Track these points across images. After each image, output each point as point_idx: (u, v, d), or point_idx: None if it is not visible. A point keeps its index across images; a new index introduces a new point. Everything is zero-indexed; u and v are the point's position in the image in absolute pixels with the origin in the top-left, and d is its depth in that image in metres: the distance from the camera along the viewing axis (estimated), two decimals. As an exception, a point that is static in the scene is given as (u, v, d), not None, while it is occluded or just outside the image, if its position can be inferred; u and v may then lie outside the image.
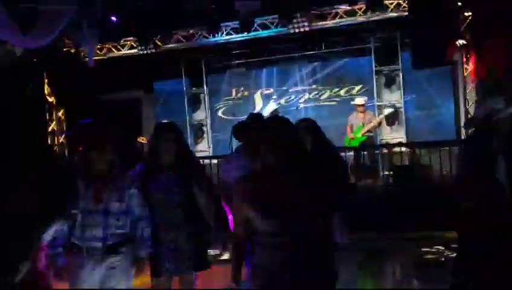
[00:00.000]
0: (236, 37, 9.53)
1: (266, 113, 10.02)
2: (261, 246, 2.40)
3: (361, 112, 10.04)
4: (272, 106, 9.90)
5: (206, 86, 12.66)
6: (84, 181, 3.30)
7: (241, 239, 2.53)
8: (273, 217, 2.31)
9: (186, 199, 3.58)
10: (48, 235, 3.00)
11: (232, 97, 12.61)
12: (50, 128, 10.53)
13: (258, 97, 12.38)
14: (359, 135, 9.90)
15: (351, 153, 9.58)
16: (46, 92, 10.33)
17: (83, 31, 7.44)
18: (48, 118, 10.55)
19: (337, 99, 11.61)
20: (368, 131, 9.92)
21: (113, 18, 6.78)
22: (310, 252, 2.32)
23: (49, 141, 10.49)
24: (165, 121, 11.12)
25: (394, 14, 8.78)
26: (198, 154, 12.14)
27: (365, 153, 10.06)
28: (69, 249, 3.28)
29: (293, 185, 2.35)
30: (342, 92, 11.59)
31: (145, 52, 9.63)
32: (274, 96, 11.96)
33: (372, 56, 11.18)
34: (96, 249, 3.24)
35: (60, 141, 10.64)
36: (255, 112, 11.64)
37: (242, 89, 12.49)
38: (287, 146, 2.37)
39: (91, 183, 3.27)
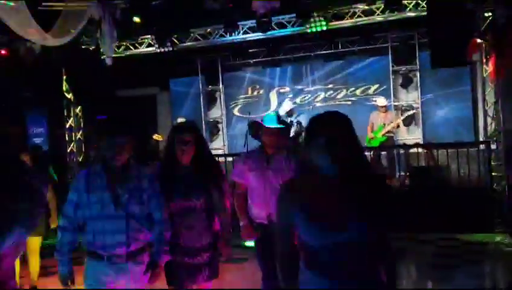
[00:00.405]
0: (252, 36, 9.53)
1: (282, 112, 9.99)
2: (306, 264, 2.06)
3: (383, 112, 9.98)
4: (287, 105, 9.86)
5: (222, 84, 12.71)
6: (99, 182, 3.00)
7: (286, 253, 2.15)
8: (324, 231, 1.96)
9: (206, 201, 3.41)
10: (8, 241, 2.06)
11: (247, 95, 12.63)
12: (68, 125, 10.63)
13: (273, 96, 12.39)
14: (379, 135, 9.84)
15: (370, 153, 9.52)
16: (64, 88, 10.43)
17: (103, 30, 7.49)
18: (65, 114, 10.64)
19: (353, 98, 11.56)
20: (389, 131, 9.85)
21: (136, 18, 6.77)
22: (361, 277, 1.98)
23: (66, 137, 10.59)
24: (184, 120, 11.19)
25: (412, 14, 8.70)
26: (213, 152, 12.20)
27: (383, 153, 10.03)
28: (87, 256, 3.05)
29: (352, 195, 1.97)
30: (358, 92, 11.55)
31: (162, 50, 9.67)
32: (290, 95, 11.96)
33: (389, 56, 11.11)
34: (118, 256, 2.96)
35: (77, 137, 10.73)
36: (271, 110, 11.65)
37: (257, 87, 12.51)
38: (348, 147, 1.98)
39: (109, 184, 2.98)
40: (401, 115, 10.73)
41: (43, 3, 6.89)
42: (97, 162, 3.11)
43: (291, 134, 9.44)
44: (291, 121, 8.95)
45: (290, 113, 9.77)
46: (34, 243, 5.41)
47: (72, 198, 3.02)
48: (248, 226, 3.90)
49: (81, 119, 10.91)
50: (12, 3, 6.49)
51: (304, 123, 8.99)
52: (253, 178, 3.86)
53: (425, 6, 8.20)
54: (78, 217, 3.01)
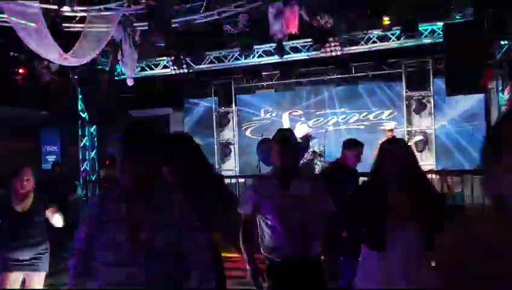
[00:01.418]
0: (267, 60, 9.60)
1: (297, 135, 9.96)
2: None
3: (389, 136, 9.92)
4: (303, 128, 9.82)
5: (235, 106, 12.77)
6: (116, 212, 2.17)
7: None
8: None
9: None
10: None
11: (260, 118, 12.67)
12: (82, 144, 10.71)
13: (285, 118, 12.41)
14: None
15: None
16: (79, 108, 10.55)
17: (123, 51, 7.59)
18: (80, 133, 10.73)
19: (366, 123, 11.55)
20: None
21: (159, 43, 6.86)
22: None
23: (80, 155, 10.66)
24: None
25: (428, 41, 8.73)
26: (224, 173, 12.21)
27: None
28: None
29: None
30: (371, 116, 11.53)
31: (178, 72, 9.78)
32: (302, 118, 11.97)
33: (403, 81, 11.12)
34: None
35: (91, 156, 10.80)
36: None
37: (270, 110, 12.56)
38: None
39: (128, 215, 2.15)
40: (412, 140, 10.69)
41: (64, 24, 7.01)
42: (114, 186, 2.26)
43: (304, 160, 9.36)
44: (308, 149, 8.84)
45: (304, 138, 9.73)
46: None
47: (82, 234, 2.23)
48: (256, 270, 3.17)
49: (95, 139, 10.98)
50: (33, 24, 6.60)
51: (317, 149, 8.89)
52: (267, 209, 3.15)
53: (441, 33, 8.23)
54: (89, 257, 2.20)
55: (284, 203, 3.09)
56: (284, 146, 3.15)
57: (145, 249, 2.10)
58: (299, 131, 9.51)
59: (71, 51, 6.77)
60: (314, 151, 8.77)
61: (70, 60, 6.99)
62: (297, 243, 3.07)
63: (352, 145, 4.68)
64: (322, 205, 3.13)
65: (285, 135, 3.25)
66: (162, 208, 2.20)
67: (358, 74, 11.60)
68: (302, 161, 9.39)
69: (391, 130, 10.00)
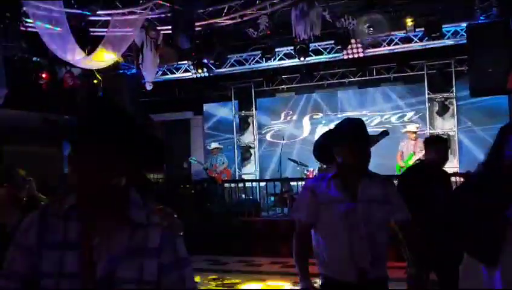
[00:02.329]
0: (288, 62, 9.60)
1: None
2: None
3: (412, 139, 9.81)
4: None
5: (255, 109, 12.78)
6: (62, 233, 1.48)
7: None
8: None
9: None
10: None
11: (280, 121, 12.65)
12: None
13: (306, 122, 12.37)
14: (410, 163, 9.67)
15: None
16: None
17: (144, 56, 7.67)
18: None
19: (387, 125, 11.42)
20: (419, 159, 9.66)
21: (186, 44, 6.90)
22: None
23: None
24: (218, 145, 10.96)
25: (450, 42, 8.63)
26: (245, 177, 12.22)
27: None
28: None
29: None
30: (393, 119, 11.42)
31: (198, 75, 9.83)
32: (323, 121, 11.92)
33: (425, 83, 11.00)
34: None
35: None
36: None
37: (290, 113, 12.53)
38: None
39: (82, 238, 1.47)
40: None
41: (87, 28, 7.12)
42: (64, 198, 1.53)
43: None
44: None
45: None
46: None
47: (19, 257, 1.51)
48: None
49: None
50: (58, 28, 6.72)
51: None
52: (329, 217, 2.59)
53: (464, 34, 8.12)
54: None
55: (351, 210, 2.54)
56: (358, 138, 2.54)
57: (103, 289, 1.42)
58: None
59: (93, 55, 6.86)
60: None
61: (93, 64, 7.09)
62: (365, 260, 2.53)
63: (435, 142, 4.25)
64: (396, 212, 2.65)
65: (358, 124, 2.62)
66: (131, 229, 1.47)
67: (380, 76, 11.50)
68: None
69: (415, 133, 9.89)
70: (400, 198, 2.71)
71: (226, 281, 7.03)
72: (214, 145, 11.35)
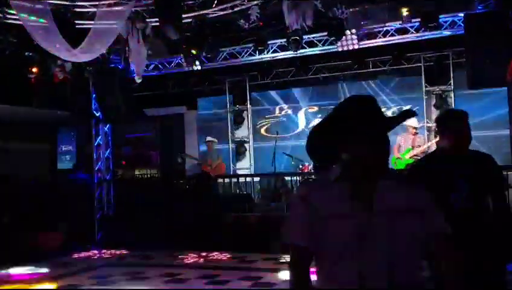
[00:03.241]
0: (282, 55, 9.38)
1: None
2: None
3: (412, 134, 9.61)
4: None
5: (249, 104, 12.58)
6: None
7: None
8: None
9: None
10: None
11: (275, 115, 12.47)
12: (96, 143, 10.62)
13: (301, 115, 12.19)
14: (407, 157, 9.50)
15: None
16: (93, 107, 10.46)
17: (131, 48, 7.46)
18: (94, 132, 10.65)
19: (384, 119, 11.24)
20: (416, 155, 9.49)
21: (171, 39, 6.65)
22: None
23: (94, 155, 10.58)
24: (213, 139, 10.84)
25: (448, 33, 8.41)
26: (239, 172, 12.04)
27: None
28: None
29: None
30: (389, 113, 11.21)
31: (191, 69, 9.61)
32: (319, 115, 11.74)
33: (423, 75, 10.82)
34: None
35: (106, 155, 10.70)
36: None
37: (285, 107, 12.35)
38: None
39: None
40: (435, 137, 10.35)
41: (73, 21, 6.91)
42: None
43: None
44: None
45: None
46: None
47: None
48: None
49: (109, 138, 10.89)
50: (43, 20, 6.50)
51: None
52: (333, 238, 1.80)
53: (461, 24, 7.92)
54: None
55: (365, 224, 1.76)
56: (373, 124, 1.79)
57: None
58: None
59: (79, 47, 6.65)
60: None
61: (79, 56, 6.88)
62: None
63: (451, 118, 3.21)
64: (429, 224, 1.84)
65: (369, 103, 1.84)
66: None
67: (376, 69, 11.31)
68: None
69: (415, 128, 9.64)
70: (432, 204, 1.89)
71: (217, 278, 6.87)
72: (209, 138, 11.14)
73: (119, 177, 13.28)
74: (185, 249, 8.68)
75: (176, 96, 13.13)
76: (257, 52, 9.27)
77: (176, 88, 12.83)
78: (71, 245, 9.40)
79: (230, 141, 12.60)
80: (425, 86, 10.82)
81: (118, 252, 9.16)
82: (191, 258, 8.34)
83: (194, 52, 8.23)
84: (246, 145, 12.70)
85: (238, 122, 12.79)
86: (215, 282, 6.71)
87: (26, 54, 9.57)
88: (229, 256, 8.34)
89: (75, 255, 9.05)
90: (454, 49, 10.20)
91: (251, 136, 12.61)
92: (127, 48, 7.49)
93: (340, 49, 8.59)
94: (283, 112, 12.35)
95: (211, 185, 10.19)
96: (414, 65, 10.97)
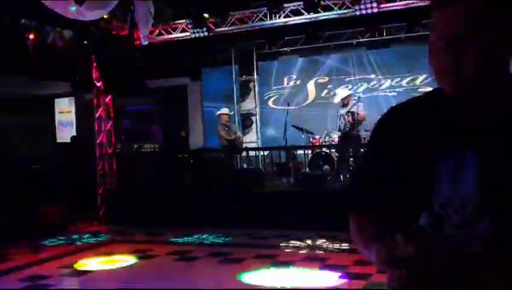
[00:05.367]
0: (294, 20, 8.84)
1: (337, 99, 9.32)
2: None
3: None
4: (344, 92, 9.26)
5: (257, 74, 12.07)
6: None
7: None
8: None
9: None
10: None
11: (283, 86, 11.98)
12: (97, 115, 10.13)
13: (311, 86, 11.71)
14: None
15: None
16: (94, 76, 9.94)
17: (136, 7, 6.94)
18: (95, 103, 10.15)
19: (398, 89, 10.80)
20: None
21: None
22: None
23: (96, 127, 10.12)
24: (227, 110, 10.32)
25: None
26: (246, 145, 11.60)
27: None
28: None
29: None
30: (404, 82, 10.78)
31: (197, 35, 9.07)
32: (329, 86, 11.28)
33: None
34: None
35: (107, 128, 10.22)
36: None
37: (294, 77, 11.84)
38: None
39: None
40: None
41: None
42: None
43: (342, 127, 8.93)
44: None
45: (346, 102, 9.12)
46: None
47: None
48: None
49: (110, 109, 10.39)
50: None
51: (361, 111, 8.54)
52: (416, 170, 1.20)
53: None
54: None
55: (464, 165, 1.17)
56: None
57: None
58: (340, 94, 9.10)
59: (85, 5, 6.16)
60: (353, 114, 8.42)
61: (86, 14, 6.40)
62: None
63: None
64: None
65: None
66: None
67: (391, 37, 10.79)
68: (343, 123, 8.85)
69: None
70: None
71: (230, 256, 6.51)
72: (225, 110, 10.42)
73: (119, 151, 12.82)
74: (193, 226, 8.29)
75: (179, 67, 12.58)
76: (268, 16, 8.74)
77: (180, 58, 12.27)
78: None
79: (236, 114, 12.13)
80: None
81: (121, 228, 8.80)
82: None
83: (206, 15, 7.69)
84: (253, 118, 12.25)
85: (244, 93, 12.31)
86: (228, 260, 6.35)
87: (23, 21, 9.10)
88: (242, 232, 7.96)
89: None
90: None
91: (258, 109, 12.15)
92: (132, 7, 6.96)
93: (358, 13, 8.09)
94: (291, 83, 11.86)
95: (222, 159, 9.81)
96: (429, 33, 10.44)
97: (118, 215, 9.25)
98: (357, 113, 8.62)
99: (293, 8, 8.62)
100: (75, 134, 13.21)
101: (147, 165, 10.64)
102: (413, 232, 1.16)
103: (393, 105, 1.36)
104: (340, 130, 9.01)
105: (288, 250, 6.69)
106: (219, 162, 9.80)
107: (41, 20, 9.11)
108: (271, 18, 8.79)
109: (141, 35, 8.20)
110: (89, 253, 7.01)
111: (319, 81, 11.54)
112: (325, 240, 6.98)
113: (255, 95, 12.20)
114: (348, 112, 8.76)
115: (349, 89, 10.47)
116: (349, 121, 8.68)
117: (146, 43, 8.15)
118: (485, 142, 1.17)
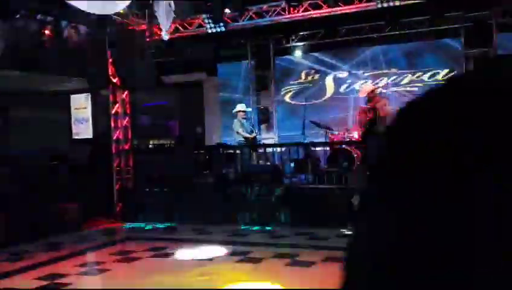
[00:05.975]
0: (313, 13, 8.63)
1: (362, 94, 9.11)
2: None
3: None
4: (369, 87, 9.08)
5: (273, 69, 11.90)
6: None
7: None
8: None
9: None
10: None
11: (300, 81, 11.79)
12: (113, 111, 10.06)
13: (329, 81, 11.50)
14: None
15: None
16: (110, 72, 9.85)
17: (159, 7, 6.82)
18: (111, 99, 10.07)
19: (419, 84, 10.54)
20: None
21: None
22: None
23: (112, 123, 10.04)
24: (244, 106, 10.12)
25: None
26: (263, 141, 11.45)
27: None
28: None
29: None
30: (425, 77, 10.52)
31: (214, 30, 8.92)
32: (348, 81, 11.07)
33: (462, 37, 10.04)
34: None
35: (124, 124, 10.15)
36: None
37: (312, 72, 11.65)
38: None
39: None
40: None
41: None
42: None
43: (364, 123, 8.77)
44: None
45: (371, 97, 8.87)
46: None
47: None
48: None
49: (127, 105, 10.31)
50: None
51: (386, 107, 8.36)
52: None
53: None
54: None
55: None
56: None
57: None
58: (365, 89, 8.96)
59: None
60: (374, 111, 8.24)
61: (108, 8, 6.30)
62: None
63: None
64: None
65: None
66: None
67: (410, 31, 10.53)
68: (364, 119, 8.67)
69: None
70: None
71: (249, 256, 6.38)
72: (242, 106, 10.25)
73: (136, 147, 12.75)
74: (209, 223, 8.18)
75: (195, 62, 12.45)
76: (287, 10, 8.55)
77: (195, 53, 12.13)
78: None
79: (253, 109, 11.97)
80: (465, 49, 10.05)
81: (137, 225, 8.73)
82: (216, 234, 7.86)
83: (228, 10, 7.54)
84: (270, 113, 12.09)
85: (261, 89, 12.14)
86: (247, 260, 6.23)
87: (38, 17, 9.10)
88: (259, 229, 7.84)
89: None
90: (498, 7, 9.40)
91: (275, 104, 11.98)
92: (150, 2, 6.84)
93: (379, 6, 7.87)
94: (309, 78, 11.66)
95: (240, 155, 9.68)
96: (452, 26, 10.17)
97: (135, 212, 9.18)
98: (379, 110, 8.42)
99: (312, 1, 8.42)
100: (91, 130, 13.17)
101: (164, 161, 10.54)
102: None
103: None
104: (360, 126, 8.81)
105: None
106: (235, 158, 9.69)
107: (57, 16, 9.08)
108: (289, 12, 8.61)
109: (162, 30, 8.08)
110: (105, 250, 6.95)
111: (338, 76, 11.33)
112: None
113: (271, 90, 12.04)
114: (369, 108, 8.55)
115: (372, 84, 10.25)
116: (369, 117, 8.47)
117: (167, 38, 8.03)
118: None
